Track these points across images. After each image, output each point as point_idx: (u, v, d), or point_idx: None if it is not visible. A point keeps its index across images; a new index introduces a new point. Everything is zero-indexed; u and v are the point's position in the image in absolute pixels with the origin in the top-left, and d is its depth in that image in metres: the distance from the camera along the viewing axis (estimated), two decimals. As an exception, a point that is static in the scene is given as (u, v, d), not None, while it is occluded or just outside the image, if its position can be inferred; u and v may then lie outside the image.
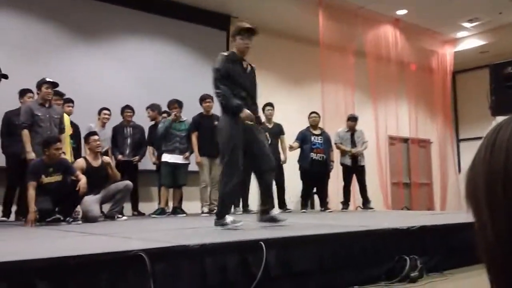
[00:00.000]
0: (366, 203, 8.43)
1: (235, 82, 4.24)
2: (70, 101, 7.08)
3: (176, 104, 7.31)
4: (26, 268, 2.09)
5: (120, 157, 7.36)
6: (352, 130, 8.49)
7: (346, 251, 3.28)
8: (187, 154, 7.32)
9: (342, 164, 8.47)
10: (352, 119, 8.55)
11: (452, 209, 11.16)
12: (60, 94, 6.68)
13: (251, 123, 4.19)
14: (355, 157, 8.32)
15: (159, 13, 8.76)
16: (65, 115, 6.70)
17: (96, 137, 6.36)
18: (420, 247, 3.72)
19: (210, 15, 9.36)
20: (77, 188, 5.55)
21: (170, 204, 7.54)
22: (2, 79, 5.09)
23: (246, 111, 4.12)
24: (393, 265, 3.42)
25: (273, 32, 10.22)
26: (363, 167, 8.44)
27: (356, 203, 9.22)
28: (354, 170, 8.41)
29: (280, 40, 10.38)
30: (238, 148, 4.13)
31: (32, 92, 6.49)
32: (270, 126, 8.11)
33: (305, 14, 9.76)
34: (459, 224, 4.13)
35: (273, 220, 4.27)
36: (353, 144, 8.41)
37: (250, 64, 4.50)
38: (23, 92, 6.59)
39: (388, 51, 10.91)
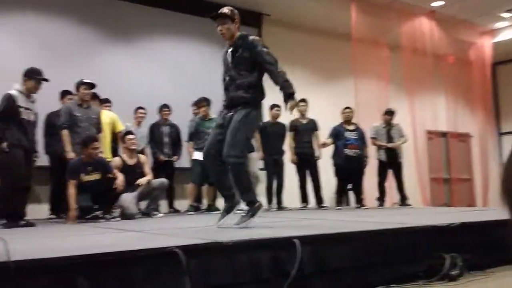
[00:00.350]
0: (403, 199, 8.32)
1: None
2: (107, 101, 7.23)
3: (204, 102, 7.35)
4: (67, 264, 2.15)
5: (161, 157, 7.44)
6: (388, 124, 8.37)
7: (382, 248, 3.23)
8: None
9: (377, 160, 8.37)
10: (389, 113, 8.44)
11: (494, 205, 10.89)
12: (96, 97, 6.82)
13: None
14: (392, 152, 8.20)
15: (193, 12, 8.85)
16: (113, 115, 6.94)
17: (131, 136, 6.48)
18: (461, 244, 3.63)
19: (243, 13, 9.27)
20: (114, 186, 5.68)
21: (205, 202, 7.60)
22: (43, 82, 5.27)
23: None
24: (432, 263, 3.35)
25: (305, 28, 10.20)
26: (399, 163, 8.31)
27: (393, 199, 9.09)
28: (390, 165, 8.29)
29: (312, 35, 10.33)
30: None
31: (72, 94, 6.66)
32: (304, 121, 8.09)
33: (336, 9, 9.69)
34: (501, 220, 4.02)
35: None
36: (389, 139, 8.30)
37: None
38: (63, 94, 6.78)
39: (424, 43, 10.71)
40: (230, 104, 4.02)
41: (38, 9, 7.57)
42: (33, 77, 5.15)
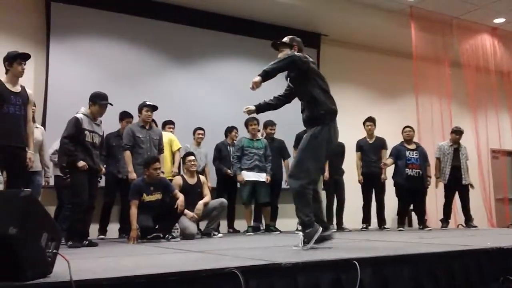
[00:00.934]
0: (468, 220, 8.04)
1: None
2: (171, 122, 7.42)
3: (254, 121, 7.39)
4: (128, 283, 2.21)
5: (229, 171, 7.50)
6: (456, 144, 8.16)
7: (446, 271, 3.14)
8: (268, 178, 7.36)
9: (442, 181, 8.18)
10: (457, 132, 8.22)
11: None
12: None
13: None
14: (458, 173, 7.98)
15: (251, 34, 9.06)
16: (171, 135, 7.10)
17: (191, 157, 6.61)
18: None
19: (301, 34, 9.39)
20: (175, 206, 5.80)
21: (264, 222, 7.62)
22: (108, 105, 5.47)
23: None
24: (497, 287, 3.22)
25: (364, 46, 10.16)
26: (466, 185, 8.06)
27: (457, 221, 8.80)
28: (456, 187, 8.06)
29: (371, 54, 10.28)
30: None
31: (132, 117, 6.88)
32: (371, 141, 7.99)
33: (396, 27, 9.62)
34: None
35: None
36: (456, 159, 8.07)
37: None
38: (122, 116, 6.99)
39: (487, 60, 10.45)
40: None
41: (106, 35, 7.92)
42: (97, 102, 5.33)
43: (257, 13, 8.80)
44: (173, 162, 7.08)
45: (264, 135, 7.81)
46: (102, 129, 5.60)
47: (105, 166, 6.76)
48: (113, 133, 6.97)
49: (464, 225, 8.15)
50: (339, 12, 9.04)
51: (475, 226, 7.96)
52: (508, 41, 10.70)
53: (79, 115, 5.27)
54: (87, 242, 5.15)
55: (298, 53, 4.27)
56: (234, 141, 7.71)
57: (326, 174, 7.52)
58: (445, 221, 8.16)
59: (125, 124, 6.83)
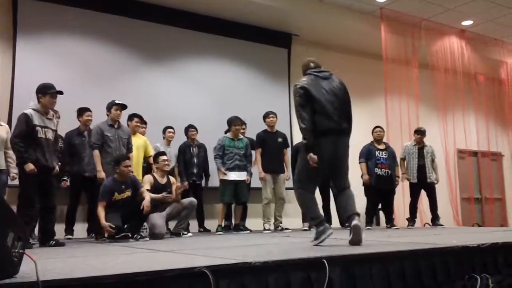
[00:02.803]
0: (435, 219, 8.18)
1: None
2: (143, 122, 7.35)
3: (238, 121, 7.38)
4: (96, 284, 2.17)
5: (186, 184, 7.44)
6: (420, 143, 8.29)
7: (413, 269, 3.18)
8: (249, 178, 7.37)
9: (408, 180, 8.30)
10: (419, 132, 8.36)
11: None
12: (139, 117, 6.98)
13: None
14: (422, 173, 8.11)
15: (224, 34, 9.06)
16: (146, 139, 7.06)
17: (164, 157, 6.57)
18: (492, 265, 3.55)
19: (272, 34, 9.51)
20: (141, 207, 5.74)
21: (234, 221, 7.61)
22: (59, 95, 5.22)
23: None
24: (463, 284, 3.29)
25: (335, 47, 10.23)
26: (431, 183, 8.19)
27: (424, 219, 8.95)
28: (421, 185, 8.19)
29: (342, 54, 10.34)
30: None
31: (90, 111, 6.78)
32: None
33: (367, 29, 9.73)
34: (535, 241, 3.92)
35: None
36: (421, 158, 8.20)
37: None
38: (80, 111, 6.85)
39: (454, 62, 10.67)
40: None
41: (74, 32, 7.76)
42: (47, 92, 5.10)
43: (229, 12, 8.78)
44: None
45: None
46: (55, 123, 5.36)
47: (68, 166, 6.71)
48: (74, 130, 6.83)
49: (431, 223, 8.29)
50: (310, 12, 9.09)
51: (442, 225, 8.10)
52: (475, 44, 10.95)
53: (28, 111, 5.03)
54: (53, 242, 5.06)
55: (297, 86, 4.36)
56: (195, 140, 7.72)
57: (288, 174, 7.56)
58: (411, 220, 8.28)
59: (85, 119, 6.75)
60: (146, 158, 7.02)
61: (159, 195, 6.15)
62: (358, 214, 4.06)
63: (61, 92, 5.17)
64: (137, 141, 6.86)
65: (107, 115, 6.43)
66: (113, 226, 5.50)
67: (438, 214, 8.21)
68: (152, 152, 7.03)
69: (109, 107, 6.36)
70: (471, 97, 11.40)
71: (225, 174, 7.13)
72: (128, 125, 6.86)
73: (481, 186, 12.12)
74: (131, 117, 6.93)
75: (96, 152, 6.15)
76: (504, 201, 12.55)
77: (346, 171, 4.32)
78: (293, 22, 9.36)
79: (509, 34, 10.94)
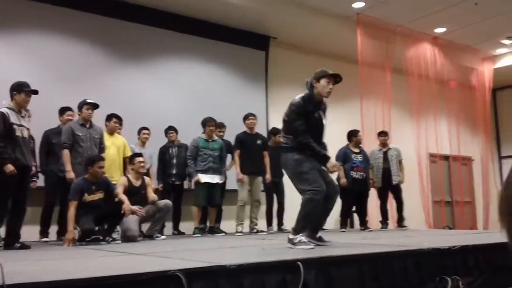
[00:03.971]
0: (400, 221, 8.25)
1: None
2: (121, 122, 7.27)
3: (213, 122, 7.34)
4: (68, 287, 2.12)
5: (160, 186, 7.38)
6: (385, 146, 8.37)
7: (386, 271, 3.21)
8: (223, 179, 7.34)
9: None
10: (381, 133, 8.48)
11: (496, 228, 10.80)
12: (118, 117, 6.90)
13: None
14: (387, 176, 8.19)
15: (201, 35, 8.98)
16: (121, 138, 6.97)
17: (141, 158, 6.46)
18: (463, 267, 3.61)
19: (250, 36, 9.50)
20: (122, 212, 5.65)
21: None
22: (33, 95, 5.12)
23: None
24: (434, 286, 3.32)
25: (312, 50, 10.27)
26: (397, 185, 8.25)
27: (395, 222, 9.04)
28: (388, 188, 8.26)
29: (319, 58, 10.37)
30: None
31: (72, 110, 6.69)
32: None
33: (343, 33, 9.80)
34: (503, 243, 3.98)
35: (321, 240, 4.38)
36: (386, 162, 8.27)
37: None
38: (62, 110, 6.78)
39: (427, 68, 10.84)
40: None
41: (49, 30, 7.61)
42: (23, 90, 5.00)
43: (207, 13, 8.73)
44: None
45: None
46: (28, 122, 5.24)
47: (45, 165, 6.59)
48: (53, 129, 6.70)
49: (397, 225, 8.32)
50: (288, 15, 9.11)
51: (406, 227, 8.15)
52: (448, 51, 11.14)
53: (4, 109, 4.92)
54: (19, 244, 4.93)
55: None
56: (175, 141, 7.66)
57: (268, 176, 7.56)
58: (384, 222, 8.34)
59: (66, 118, 6.66)
60: (123, 159, 6.94)
61: (132, 208, 6.00)
62: (294, 229, 4.12)
63: (36, 92, 5.09)
64: (116, 141, 6.78)
65: (79, 114, 6.33)
66: (76, 239, 5.42)
67: (403, 216, 8.24)
68: (129, 153, 6.95)
69: (80, 106, 6.25)
70: (443, 102, 11.57)
71: (196, 178, 7.07)
72: (106, 125, 6.79)
73: (452, 189, 12.32)
74: (109, 117, 6.85)
75: (66, 152, 6.03)
76: (474, 205, 12.77)
77: (298, 182, 4.30)
78: (271, 24, 9.37)
79: (480, 42, 11.16)
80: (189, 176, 7.55)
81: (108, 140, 6.60)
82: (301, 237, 4.03)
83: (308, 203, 4.08)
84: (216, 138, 7.42)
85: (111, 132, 6.77)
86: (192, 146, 7.23)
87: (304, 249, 3.77)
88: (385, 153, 8.33)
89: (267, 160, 7.62)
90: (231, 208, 7.74)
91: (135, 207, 5.87)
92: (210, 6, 8.46)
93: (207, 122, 7.25)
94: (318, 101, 4.44)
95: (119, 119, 6.92)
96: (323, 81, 4.39)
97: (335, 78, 4.41)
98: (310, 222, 4.17)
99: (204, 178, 7.10)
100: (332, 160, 4.37)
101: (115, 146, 6.67)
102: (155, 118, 7.93)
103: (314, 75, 4.46)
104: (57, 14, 7.65)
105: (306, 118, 4.29)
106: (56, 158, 6.51)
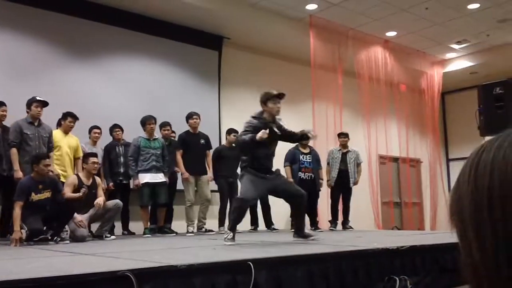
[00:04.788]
0: (345, 222, 8.39)
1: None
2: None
3: (152, 119, 7.21)
4: (11, 288, 2.06)
5: (111, 185, 7.25)
6: (345, 148, 8.50)
7: (337, 271, 3.25)
8: (166, 178, 7.22)
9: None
10: (341, 135, 8.60)
11: (443, 229, 11.16)
12: (73, 116, 6.73)
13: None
14: (343, 177, 8.32)
15: (153, 33, 8.84)
16: (74, 138, 6.83)
17: (95, 159, 6.34)
18: (410, 267, 3.70)
19: (204, 36, 9.45)
20: (99, 202, 5.81)
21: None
22: None
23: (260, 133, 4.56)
24: (383, 286, 3.39)
25: (265, 52, 10.31)
26: (350, 188, 8.39)
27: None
28: (341, 189, 8.39)
29: (272, 60, 10.45)
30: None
31: (5, 105, 6.34)
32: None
33: (296, 35, 9.88)
34: (450, 244, 4.12)
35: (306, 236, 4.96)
36: (344, 163, 8.39)
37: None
38: None
39: (378, 71, 11.05)
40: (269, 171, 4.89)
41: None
42: None
43: (160, 12, 8.62)
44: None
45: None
46: None
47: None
48: None
49: (342, 226, 8.45)
50: (241, 16, 9.12)
51: (351, 228, 8.31)
52: (398, 54, 11.40)
53: None
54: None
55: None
56: (121, 140, 7.54)
57: (210, 175, 7.59)
58: (333, 222, 8.46)
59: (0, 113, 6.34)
60: (75, 160, 6.78)
61: (78, 194, 5.92)
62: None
63: None
64: (70, 141, 6.63)
65: (27, 112, 6.14)
66: (23, 238, 5.27)
67: (348, 217, 8.40)
68: (81, 154, 6.79)
69: (29, 103, 6.08)
70: (393, 105, 11.83)
71: (136, 181, 6.96)
72: (61, 123, 6.64)
73: (401, 191, 12.63)
74: (65, 116, 6.69)
75: (14, 151, 5.87)
76: (422, 206, 13.13)
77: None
78: (225, 25, 9.36)
79: (430, 46, 11.49)
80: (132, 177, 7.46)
81: (61, 140, 6.47)
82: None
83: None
84: (157, 136, 7.29)
85: (66, 131, 6.62)
86: (133, 146, 7.04)
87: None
88: (344, 155, 8.45)
89: (209, 159, 7.63)
90: (182, 208, 7.68)
91: (78, 218, 5.80)
92: (163, 4, 8.36)
93: (147, 120, 7.10)
94: (271, 120, 4.84)
95: (75, 118, 6.74)
96: (270, 104, 4.79)
97: (280, 96, 4.85)
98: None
99: (145, 178, 6.97)
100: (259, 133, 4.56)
101: (68, 146, 6.50)
102: (105, 116, 7.75)
103: (261, 99, 4.88)
104: (6, 9, 7.37)
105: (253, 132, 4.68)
106: (2, 157, 6.26)
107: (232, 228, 4.58)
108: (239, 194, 5.05)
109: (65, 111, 6.87)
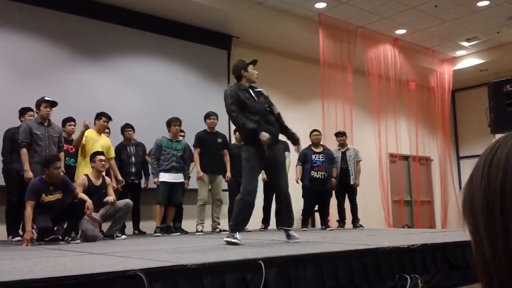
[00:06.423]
0: (354, 221, 8.36)
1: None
2: (71, 119, 7.10)
3: (178, 122, 7.27)
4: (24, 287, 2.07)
5: (119, 186, 7.27)
6: (344, 147, 8.47)
7: (347, 269, 3.24)
8: (187, 182, 7.30)
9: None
10: (338, 134, 8.58)
11: (453, 227, 11.10)
12: (107, 116, 6.85)
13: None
14: (345, 176, 8.29)
15: (162, 32, 8.88)
16: (107, 139, 6.93)
17: (102, 157, 6.35)
18: (422, 265, 3.68)
19: (212, 35, 9.47)
20: (85, 210, 5.55)
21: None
22: None
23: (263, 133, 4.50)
24: (394, 284, 3.38)
25: (274, 50, 10.31)
26: (353, 186, 8.36)
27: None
28: (345, 188, 8.36)
29: (281, 58, 10.46)
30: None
31: (33, 111, 6.53)
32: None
33: (305, 33, 9.86)
34: (460, 242, 4.10)
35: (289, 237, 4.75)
36: (344, 162, 8.37)
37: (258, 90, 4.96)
38: (23, 111, 6.62)
39: (387, 69, 11.01)
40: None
41: (7, 27, 7.38)
42: None
43: (169, 11, 8.65)
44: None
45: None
46: None
47: (10, 163, 6.41)
48: (17, 127, 6.49)
49: (352, 225, 8.43)
50: (250, 15, 9.13)
51: (361, 226, 8.29)
52: (407, 52, 11.36)
53: None
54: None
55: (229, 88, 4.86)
56: (132, 140, 7.57)
57: (228, 174, 7.56)
58: (341, 221, 8.45)
59: (27, 119, 6.48)
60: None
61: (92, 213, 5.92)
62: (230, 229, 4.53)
63: None
64: (103, 141, 6.70)
65: (36, 112, 6.18)
66: (34, 238, 5.30)
67: (357, 216, 8.37)
68: (113, 154, 6.85)
69: (38, 104, 6.11)
70: (403, 103, 11.79)
71: (155, 179, 7.05)
72: (95, 123, 6.74)
73: (411, 189, 12.58)
74: (99, 116, 6.81)
75: (24, 151, 5.90)
76: (433, 204, 13.07)
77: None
78: (234, 24, 9.37)
79: (439, 44, 11.43)
80: (149, 175, 7.48)
81: (95, 139, 6.60)
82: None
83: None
84: (180, 138, 7.37)
85: (99, 131, 6.70)
86: (156, 145, 7.15)
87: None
88: (344, 153, 8.44)
89: (227, 158, 7.62)
90: (192, 207, 7.70)
91: (93, 216, 5.83)
92: (173, 4, 8.39)
93: (172, 122, 7.19)
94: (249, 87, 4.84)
95: (108, 118, 6.83)
96: (250, 69, 4.94)
97: (254, 62, 4.99)
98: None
99: (165, 177, 7.04)
100: (263, 133, 4.52)
101: (101, 146, 6.55)
102: (115, 116, 7.78)
103: (238, 66, 5.05)
104: (14, 10, 7.43)
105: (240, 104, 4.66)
106: (19, 156, 6.32)
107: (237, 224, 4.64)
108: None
109: (77, 111, 6.91)
